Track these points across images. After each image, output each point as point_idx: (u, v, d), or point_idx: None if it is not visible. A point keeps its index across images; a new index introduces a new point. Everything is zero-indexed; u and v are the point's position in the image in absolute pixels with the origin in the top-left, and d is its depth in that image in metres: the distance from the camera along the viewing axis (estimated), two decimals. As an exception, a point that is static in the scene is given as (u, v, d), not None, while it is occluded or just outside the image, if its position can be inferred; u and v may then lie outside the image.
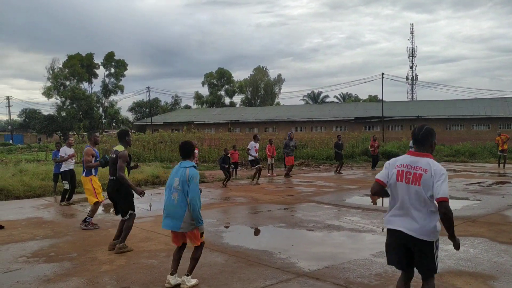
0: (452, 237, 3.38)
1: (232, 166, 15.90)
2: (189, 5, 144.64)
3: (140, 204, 10.38)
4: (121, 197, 6.27)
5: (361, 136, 32.41)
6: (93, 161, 7.69)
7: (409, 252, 3.56)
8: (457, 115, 43.99)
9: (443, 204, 3.28)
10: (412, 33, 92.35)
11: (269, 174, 17.31)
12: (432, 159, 3.50)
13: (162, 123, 58.92)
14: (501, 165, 20.46)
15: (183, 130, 34.97)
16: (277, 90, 79.83)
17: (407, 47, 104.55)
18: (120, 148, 6.35)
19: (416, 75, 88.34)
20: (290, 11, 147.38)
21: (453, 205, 9.74)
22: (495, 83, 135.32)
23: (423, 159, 3.51)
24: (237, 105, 77.55)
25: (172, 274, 4.73)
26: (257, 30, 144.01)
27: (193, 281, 4.70)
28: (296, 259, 5.59)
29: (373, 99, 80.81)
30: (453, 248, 3.49)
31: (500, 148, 20.59)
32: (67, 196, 10.43)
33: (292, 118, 51.45)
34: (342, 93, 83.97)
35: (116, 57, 66.64)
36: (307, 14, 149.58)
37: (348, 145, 28.50)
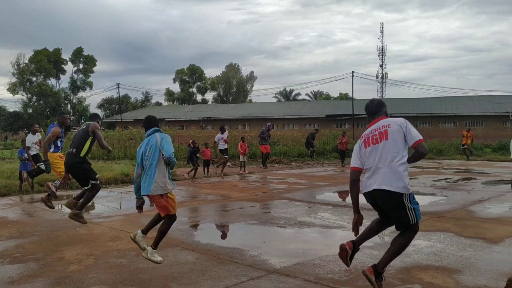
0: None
1: (196, 162, 15.81)
2: (160, 1, 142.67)
3: (110, 203, 10.21)
4: (77, 170, 6.52)
5: (332, 133, 32.78)
6: (58, 143, 7.70)
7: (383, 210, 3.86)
8: (426, 113, 45.06)
9: (420, 145, 3.64)
10: (382, 32, 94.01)
11: (241, 172, 17.30)
12: (389, 118, 3.75)
13: (132, 120, 58.00)
14: (466, 156, 21.21)
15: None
16: (249, 88, 79.91)
17: (377, 46, 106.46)
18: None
19: (386, 74, 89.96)
20: (262, 8, 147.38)
21: (421, 201, 9.96)
22: (462, 82, 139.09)
23: (383, 120, 3.74)
24: (209, 102, 77.21)
25: (143, 232, 4.98)
26: (229, 27, 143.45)
27: (158, 258, 4.80)
28: (267, 256, 5.60)
29: (343, 97, 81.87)
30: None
31: (463, 142, 21.35)
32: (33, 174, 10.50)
33: (264, 115, 51.55)
34: (313, 90, 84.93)
35: (85, 53, 65.34)
36: (279, 12, 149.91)
37: (319, 142, 28.80)
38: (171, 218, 5.07)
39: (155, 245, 4.97)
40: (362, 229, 4.25)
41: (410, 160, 3.74)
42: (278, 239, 6.67)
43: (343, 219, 7.99)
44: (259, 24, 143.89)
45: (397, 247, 3.83)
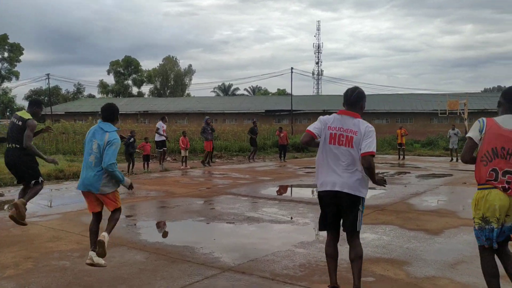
0: (375, 181, 3.73)
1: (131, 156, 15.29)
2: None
3: (44, 201, 9.57)
4: (25, 166, 6.02)
5: (271, 128, 33.10)
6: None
7: (338, 212, 3.76)
8: (359, 109, 46.75)
9: (367, 157, 3.57)
10: (318, 30, 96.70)
11: (182, 167, 16.96)
12: (361, 119, 3.71)
13: (63, 113, 55.20)
14: (401, 157, 22.09)
15: (88, 120, 33.00)
16: (187, 81, 78.84)
17: (313, 43, 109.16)
18: (26, 115, 5.99)
19: (322, 71, 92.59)
20: (199, 1, 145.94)
21: (363, 194, 10.29)
22: (392, 80, 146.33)
23: (353, 119, 3.70)
24: (146, 95, 75.23)
25: (94, 250, 4.49)
26: (166, 19, 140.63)
27: (102, 261, 4.45)
28: (219, 254, 5.47)
29: (281, 92, 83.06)
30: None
31: (398, 142, 22.27)
32: None
33: (203, 109, 51.07)
34: (252, 86, 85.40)
35: (10, 41, 61.02)
36: (216, 6, 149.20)
37: (259, 137, 28.94)
38: (118, 212, 4.71)
39: (108, 231, 4.62)
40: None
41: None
42: (229, 235, 6.55)
43: (291, 213, 8.02)
44: (196, 17, 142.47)
45: (360, 263, 3.78)
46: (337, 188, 3.64)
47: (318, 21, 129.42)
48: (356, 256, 3.73)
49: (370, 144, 3.60)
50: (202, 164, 16.68)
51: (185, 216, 7.80)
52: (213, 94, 76.91)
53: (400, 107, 46.04)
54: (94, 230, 4.64)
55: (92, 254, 4.46)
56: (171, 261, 5.18)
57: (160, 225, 7.36)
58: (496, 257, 3.53)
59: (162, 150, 15.10)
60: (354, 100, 3.82)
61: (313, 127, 3.79)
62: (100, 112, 4.82)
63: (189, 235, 6.54)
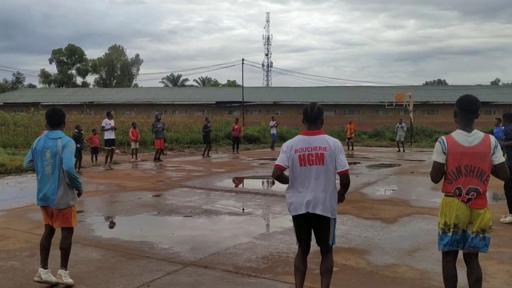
0: (343, 195, 3.74)
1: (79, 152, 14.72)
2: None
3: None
4: None
5: (223, 120, 32.90)
6: None
7: (310, 228, 3.70)
8: (309, 101, 47.34)
9: (346, 175, 3.57)
10: (268, 21, 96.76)
11: (132, 160, 16.48)
12: (325, 135, 3.65)
13: (1, 103, 52.10)
14: (349, 148, 22.64)
15: (29, 111, 31.27)
16: (135, 71, 76.62)
17: (263, 35, 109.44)
18: None
19: (271, 62, 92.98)
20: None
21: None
22: (339, 72, 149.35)
23: (318, 137, 3.64)
24: (91, 86, 72.56)
25: (44, 267, 4.19)
26: (111, 7, 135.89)
27: (70, 280, 4.17)
28: (179, 248, 5.34)
29: (231, 84, 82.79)
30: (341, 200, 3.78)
31: (348, 136, 22.84)
32: None
33: (152, 100, 49.95)
34: (201, 77, 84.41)
35: None
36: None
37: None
38: (71, 231, 4.37)
39: (65, 265, 4.28)
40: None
41: (339, 191, 3.67)
42: (188, 229, 6.41)
43: (248, 205, 7.99)
44: (143, 5, 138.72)
45: (329, 277, 3.74)
46: (310, 210, 3.54)
47: (268, 13, 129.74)
48: (327, 270, 3.69)
49: (345, 161, 3.55)
50: (154, 161, 16.22)
51: (140, 210, 7.56)
52: (161, 85, 75.35)
53: (347, 99, 47.21)
54: (45, 246, 4.25)
55: (42, 271, 4.15)
56: (129, 258, 4.99)
57: (114, 220, 7.09)
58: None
59: (110, 148, 14.39)
60: (316, 116, 3.67)
61: (280, 160, 3.66)
62: (45, 116, 4.46)
63: (146, 230, 6.33)
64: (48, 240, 4.32)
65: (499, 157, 3.32)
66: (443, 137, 3.42)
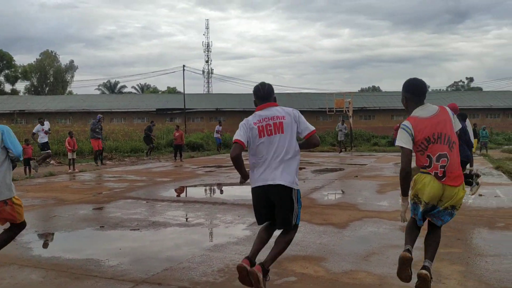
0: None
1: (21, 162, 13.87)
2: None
3: None
4: None
5: (164, 127, 32.23)
6: None
7: (272, 206, 3.66)
8: (251, 108, 47.59)
9: (314, 136, 3.66)
10: (207, 28, 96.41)
11: (70, 171, 15.62)
12: (280, 106, 3.66)
13: None
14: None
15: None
16: (69, 78, 73.40)
17: (202, 42, 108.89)
18: None
19: (212, 69, 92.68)
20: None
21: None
22: (278, 80, 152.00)
23: (274, 108, 3.64)
24: (21, 93, 68.54)
25: None
26: (42, 11, 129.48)
27: None
28: (128, 265, 5.00)
29: (171, 90, 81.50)
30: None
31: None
32: None
33: (89, 108, 47.93)
34: (140, 83, 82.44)
35: None
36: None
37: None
38: (20, 226, 4.15)
39: None
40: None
41: (301, 147, 3.72)
42: (136, 243, 6.05)
43: (198, 216, 7.73)
44: (77, 10, 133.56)
45: (282, 247, 3.73)
46: (271, 181, 3.50)
47: (207, 20, 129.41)
48: (283, 239, 3.67)
49: (307, 124, 3.60)
50: (94, 162, 15.58)
51: (82, 225, 7.08)
52: (98, 92, 72.66)
53: (288, 105, 47.75)
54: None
55: None
56: (74, 278, 4.59)
57: (54, 237, 6.57)
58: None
59: (47, 151, 13.76)
60: (268, 93, 3.77)
61: (238, 134, 3.61)
62: None
63: (91, 247, 5.91)
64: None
65: (458, 124, 3.51)
66: (405, 122, 3.49)
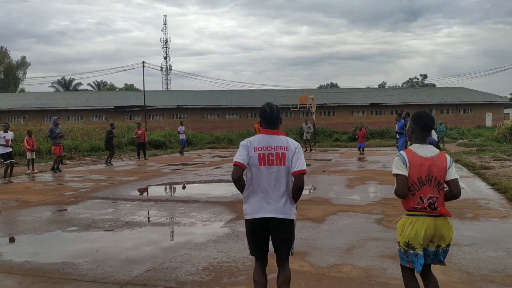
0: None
1: None
2: None
3: None
4: None
5: (125, 125, 31.50)
6: None
7: (268, 237, 3.48)
8: (213, 105, 47.42)
9: (301, 176, 3.35)
10: (165, 24, 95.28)
11: (29, 171, 14.99)
12: (285, 136, 3.50)
13: None
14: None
15: None
16: (21, 75, 70.25)
17: (160, 38, 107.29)
18: None
19: (170, 66, 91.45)
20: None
21: (236, 189, 10.30)
22: (238, 76, 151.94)
23: (278, 137, 3.46)
24: (-31, 91, 65.07)
25: None
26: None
27: None
28: (108, 267, 4.84)
29: (129, 87, 79.71)
30: None
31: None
32: None
33: (44, 106, 46.17)
34: (96, 80, 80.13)
35: None
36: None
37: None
38: None
39: None
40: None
41: (293, 195, 3.49)
42: (112, 244, 5.87)
43: (172, 214, 7.60)
44: (27, 4, 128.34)
45: (288, 285, 3.56)
46: (271, 215, 3.35)
47: (165, 15, 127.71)
48: (285, 280, 3.52)
49: (302, 162, 3.37)
50: (52, 172, 14.69)
51: (52, 227, 6.80)
52: (52, 89, 69.98)
53: (250, 102, 47.94)
54: None
55: None
56: (52, 283, 4.40)
57: (24, 241, 6.24)
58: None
59: (8, 162, 12.65)
60: (275, 118, 3.49)
61: (239, 157, 3.37)
62: None
63: (64, 249, 5.67)
64: None
65: (454, 173, 3.30)
66: (401, 152, 3.36)
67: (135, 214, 7.66)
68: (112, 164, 17.28)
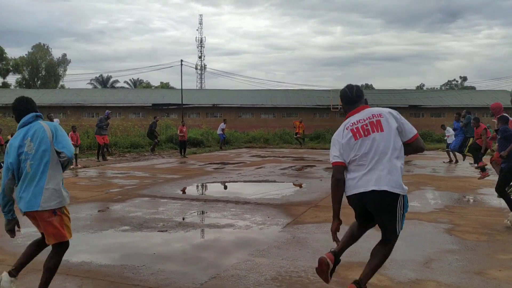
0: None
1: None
2: None
3: None
4: None
5: (163, 123, 31.61)
6: None
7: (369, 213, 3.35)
8: (248, 104, 47.19)
9: (419, 138, 3.23)
10: (201, 24, 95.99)
11: (73, 166, 15.07)
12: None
13: None
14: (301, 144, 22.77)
15: None
16: (61, 72, 72.09)
17: (196, 37, 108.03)
18: None
19: (205, 65, 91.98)
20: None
21: (286, 190, 9.94)
22: (270, 76, 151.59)
23: (367, 109, 3.26)
24: (12, 87, 67.29)
25: (13, 273, 3.59)
26: (31, 4, 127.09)
27: None
28: (170, 272, 4.56)
29: (165, 86, 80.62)
30: None
31: (296, 131, 22.93)
32: None
33: (83, 102, 47.10)
34: (132, 78, 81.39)
35: None
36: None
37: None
38: (63, 247, 3.68)
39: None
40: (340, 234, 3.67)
41: (404, 153, 3.26)
42: (169, 247, 5.60)
43: (224, 215, 7.29)
44: (68, 3, 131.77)
45: (380, 260, 3.31)
46: (374, 187, 3.07)
47: (201, 15, 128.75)
48: (382, 255, 3.26)
49: (410, 126, 3.19)
50: (96, 157, 15.14)
51: (105, 226, 6.61)
52: (90, 86, 71.55)
53: (286, 102, 47.49)
54: (28, 252, 3.58)
55: (4, 276, 3.55)
56: (114, 287, 4.14)
57: (79, 240, 6.04)
58: None
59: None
60: (357, 96, 3.33)
61: (334, 155, 3.23)
62: (14, 108, 3.67)
63: (121, 250, 5.45)
64: (36, 248, 3.78)
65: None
66: None
67: (186, 214, 7.40)
68: (156, 153, 17.50)
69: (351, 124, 3.18)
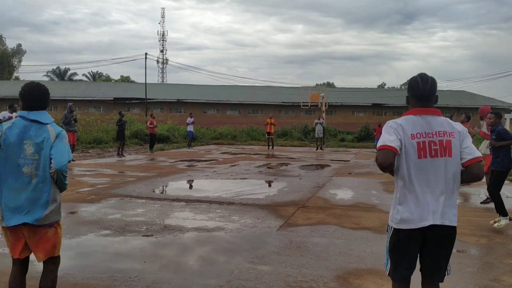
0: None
1: None
2: None
3: None
4: None
5: (127, 118, 30.52)
6: None
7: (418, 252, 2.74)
8: (213, 100, 46.59)
9: (479, 164, 2.64)
10: (163, 17, 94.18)
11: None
12: (446, 118, 2.75)
13: None
14: (270, 147, 22.33)
15: None
16: (16, 63, 68.78)
17: (157, 31, 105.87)
18: None
19: (167, 59, 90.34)
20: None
21: (268, 190, 9.62)
22: (232, 72, 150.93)
23: (440, 118, 2.68)
24: (-39, 78, 63.54)
25: None
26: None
27: None
28: (167, 283, 4.13)
29: (125, 79, 78.47)
30: None
31: (267, 130, 22.55)
32: None
33: (39, 95, 44.97)
34: (92, 71, 78.80)
35: None
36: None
37: (113, 128, 26.38)
38: (57, 262, 3.18)
39: None
40: None
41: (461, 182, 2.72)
42: (159, 253, 5.11)
43: (211, 217, 6.88)
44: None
45: None
46: (432, 222, 2.58)
47: (163, 8, 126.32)
48: None
49: (473, 148, 2.64)
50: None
51: (83, 230, 6.04)
52: (46, 79, 68.46)
53: (252, 98, 47.22)
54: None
55: None
56: (108, 304, 3.67)
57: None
58: None
59: None
60: (431, 92, 2.70)
61: (388, 140, 2.58)
62: (22, 94, 3.12)
63: (106, 259, 4.94)
64: (21, 280, 3.14)
65: None
66: None
67: (169, 216, 6.94)
68: (124, 156, 16.59)
69: (418, 135, 2.62)
